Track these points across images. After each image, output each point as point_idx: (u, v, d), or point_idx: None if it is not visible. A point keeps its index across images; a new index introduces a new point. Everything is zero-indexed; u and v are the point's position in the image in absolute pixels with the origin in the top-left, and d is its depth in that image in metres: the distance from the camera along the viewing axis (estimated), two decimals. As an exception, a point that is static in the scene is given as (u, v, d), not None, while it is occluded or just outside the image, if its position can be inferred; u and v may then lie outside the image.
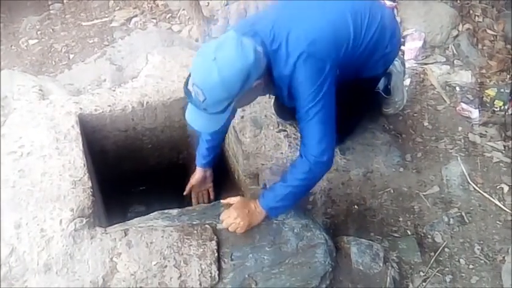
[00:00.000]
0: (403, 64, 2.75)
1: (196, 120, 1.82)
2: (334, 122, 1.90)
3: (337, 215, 2.35)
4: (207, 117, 1.78)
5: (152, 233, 1.92)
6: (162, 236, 1.91)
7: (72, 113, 2.34)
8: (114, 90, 2.52)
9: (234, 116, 2.27)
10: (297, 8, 1.97)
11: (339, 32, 1.94)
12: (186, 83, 1.79)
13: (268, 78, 1.87)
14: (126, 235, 1.91)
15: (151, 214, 2.06)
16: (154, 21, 3.90)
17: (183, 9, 3.88)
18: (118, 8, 4.11)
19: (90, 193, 2.04)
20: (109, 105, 2.42)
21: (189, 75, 1.77)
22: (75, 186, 2.04)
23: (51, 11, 4.19)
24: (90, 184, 2.07)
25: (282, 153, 2.38)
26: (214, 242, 1.91)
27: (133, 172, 2.62)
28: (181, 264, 1.84)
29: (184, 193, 2.42)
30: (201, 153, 2.35)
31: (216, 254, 1.88)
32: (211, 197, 2.49)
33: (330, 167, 1.95)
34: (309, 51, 1.80)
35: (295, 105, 1.91)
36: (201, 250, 1.88)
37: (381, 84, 2.57)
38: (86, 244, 1.88)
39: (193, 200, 2.47)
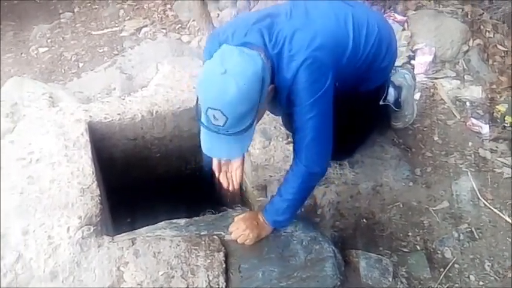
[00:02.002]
0: (414, 78, 2.74)
1: (218, 148, 1.70)
2: (331, 134, 1.84)
3: (346, 229, 2.34)
4: (231, 140, 1.66)
5: (160, 242, 1.91)
6: (170, 246, 1.90)
7: (81, 120, 2.33)
8: (123, 99, 2.51)
9: None
10: (298, 13, 1.88)
11: (340, 42, 1.89)
12: (198, 114, 1.67)
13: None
14: (133, 244, 1.90)
15: (159, 224, 2.04)
16: (164, 31, 3.92)
17: (193, 20, 3.89)
18: (128, 17, 4.14)
19: (98, 201, 2.02)
20: (118, 114, 2.41)
21: (197, 104, 1.67)
22: (83, 193, 2.03)
23: (62, 20, 4.22)
24: (98, 192, 2.05)
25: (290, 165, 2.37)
26: (222, 253, 1.89)
27: (141, 181, 2.61)
28: (188, 274, 1.82)
29: (216, 174, 2.07)
30: None
31: (224, 265, 1.86)
32: (239, 177, 2.07)
33: (323, 176, 1.93)
34: (314, 56, 1.72)
35: (291, 112, 1.84)
36: (209, 261, 1.86)
37: (391, 98, 2.56)
38: (93, 252, 1.87)
39: (222, 179, 2.06)
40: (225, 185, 2.05)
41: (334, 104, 1.89)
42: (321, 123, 1.80)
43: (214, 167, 2.05)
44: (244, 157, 2.09)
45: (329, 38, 1.82)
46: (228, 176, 2.07)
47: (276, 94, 1.80)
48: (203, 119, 1.64)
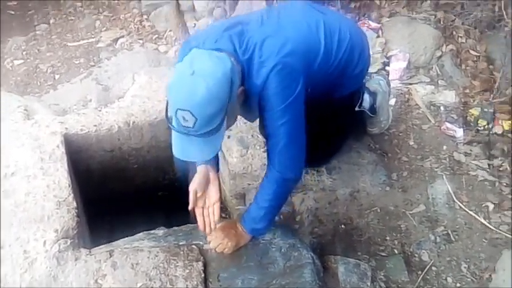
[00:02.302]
0: (389, 84, 2.78)
1: (190, 150, 1.68)
2: (304, 139, 1.86)
3: (324, 235, 2.35)
4: (201, 142, 1.65)
5: (138, 254, 1.90)
6: (148, 257, 1.89)
7: (57, 132, 2.32)
8: (100, 110, 2.50)
9: None
10: (269, 21, 1.90)
11: (311, 48, 1.92)
12: (167, 116, 1.68)
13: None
14: (111, 256, 1.89)
15: (136, 235, 2.04)
16: (141, 41, 3.91)
17: (170, 30, 3.90)
18: (104, 28, 4.12)
19: (75, 214, 2.01)
20: (95, 125, 2.40)
21: (167, 106, 1.68)
22: (59, 206, 2.01)
23: (37, 32, 4.18)
24: (74, 204, 2.04)
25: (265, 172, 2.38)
26: (200, 263, 1.89)
27: (119, 192, 2.60)
28: (167, 285, 1.82)
29: (190, 207, 1.98)
30: None
31: (203, 275, 1.86)
32: (217, 216, 1.99)
33: (298, 182, 1.94)
34: (284, 62, 1.74)
35: (262, 118, 1.85)
36: (188, 271, 1.86)
37: (367, 104, 2.59)
38: (70, 266, 1.85)
39: (198, 219, 1.99)
40: (201, 227, 1.99)
41: (310, 111, 1.91)
42: (293, 129, 1.81)
43: (190, 198, 1.97)
44: (221, 192, 2.05)
45: (300, 44, 1.84)
46: (205, 214, 2.00)
47: (246, 100, 1.80)
48: (173, 122, 1.64)
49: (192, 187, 1.98)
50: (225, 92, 1.60)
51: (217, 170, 2.07)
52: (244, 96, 1.78)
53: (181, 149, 1.69)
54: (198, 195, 1.99)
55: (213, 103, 1.57)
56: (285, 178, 1.87)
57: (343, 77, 2.13)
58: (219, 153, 2.33)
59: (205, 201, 2.01)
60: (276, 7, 2.00)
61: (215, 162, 2.03)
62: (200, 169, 2.00)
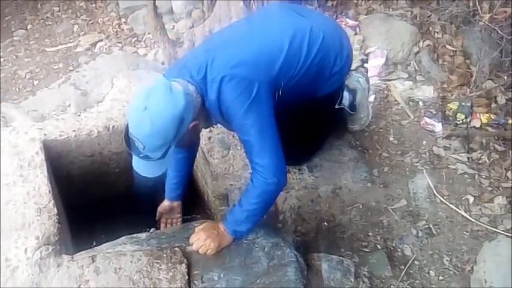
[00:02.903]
0: (368, 81, 2.80)
1: (141, 166, 1.85)
2: (278, 141, 1.89)
3: (307, 233, 2.36)
4: (149, 163, 1.81)
5: (120, 258, 1.89)
6: (131, 261, 1.88)
7: (36, 139, 2.30)
8: (79, 115, 2.49)
9: (198, 147, 2.31)
10: (226, 37, 2.05)
11: (268, 55, 1.96)
12: (126, 132, 1.79)
13: (205, 110, 1.89)
14: (93, 261, 1.87)
15: (119, 239, 2.03)
16: (120, 45, 3.91)
17: (149, 33, 3.89)
18: (83, 33, 4.11)
19: (56, 220, 1.99)
20: (74, 130, 2.38)
21: (127, 124, 1.79)
22: (40, 213, 2.00)
23: (15, 38, 4.16)
24: (55, 211, 2.02)
25: (250, 173, 2.38)
26: (184, 265, 1.89)
27: (101, 197, 2.58)
28: (151, 288, 1.82)
29: (157, 218, 2.40)
30: (169, 187, 2.33)
31: (187, 277, 1.86)
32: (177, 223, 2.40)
33: (282, 186, 1.95)
34: (231, 73, 1.83)
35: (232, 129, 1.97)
36: (171, 274, 1.86)
37: (346, 101, 2.61)
38: (53, 272, 1.84)
39: (161, 226, 2.40)
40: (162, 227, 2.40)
41: (290, 111, 1.98)
42: (261, 132, 1.85)
43: (158, 214, 2.39)
44: (181, 215, 2.41)
45: (251, 53, 1.92)
46: (168, 222, 2.41)
47: (212, 116, 1.93)
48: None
49: (159, 211, 2.39)
50: (170, 131, 1.73)
51: (181, 200, 2.39)
52: (205, 120, 1.94)
53: (136, 162, 1.85)
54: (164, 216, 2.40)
55: (157, 139, 1.72)
56: (268, 182, 1.87)
57: (321, 77, 2.15)
58: (197, 157, 2.36)
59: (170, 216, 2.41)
60: (247, 18, 2.09)
61: (178, 196, 2.35)
62: (167, 201, 2.36)
